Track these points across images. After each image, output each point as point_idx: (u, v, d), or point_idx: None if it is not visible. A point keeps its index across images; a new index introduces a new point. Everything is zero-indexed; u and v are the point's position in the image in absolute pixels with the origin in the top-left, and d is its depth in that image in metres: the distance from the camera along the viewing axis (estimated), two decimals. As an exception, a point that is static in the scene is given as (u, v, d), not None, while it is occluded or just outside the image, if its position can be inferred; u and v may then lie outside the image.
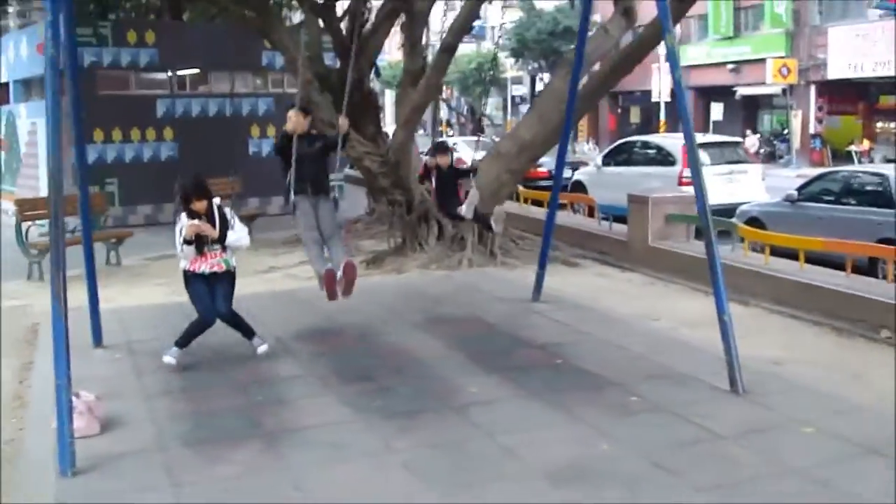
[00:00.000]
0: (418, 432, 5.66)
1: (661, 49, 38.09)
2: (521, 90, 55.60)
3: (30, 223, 12.15)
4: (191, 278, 7.36)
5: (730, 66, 38.13)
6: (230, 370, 7.18)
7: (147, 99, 17.12)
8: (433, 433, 5.64)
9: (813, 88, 34.97)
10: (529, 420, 5.84)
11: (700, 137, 18.59)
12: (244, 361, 7.37)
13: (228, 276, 7.45)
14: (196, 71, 18.25)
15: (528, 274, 11.51)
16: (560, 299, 9.51)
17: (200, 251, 7.29)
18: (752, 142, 33.96)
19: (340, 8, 14.32)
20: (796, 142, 34.81)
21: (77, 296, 7.75)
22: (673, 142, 17.18)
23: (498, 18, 48.02)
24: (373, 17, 14.11)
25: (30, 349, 8.20)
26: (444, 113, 54.48)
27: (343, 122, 8.04)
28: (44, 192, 16.81)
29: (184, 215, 7.26)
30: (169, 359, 7.18)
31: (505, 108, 57.52)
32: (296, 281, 11.59)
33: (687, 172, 15.95)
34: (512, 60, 50.40)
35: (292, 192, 7.93)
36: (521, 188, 16.08)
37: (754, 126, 38.97)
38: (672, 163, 16.55)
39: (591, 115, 46.73)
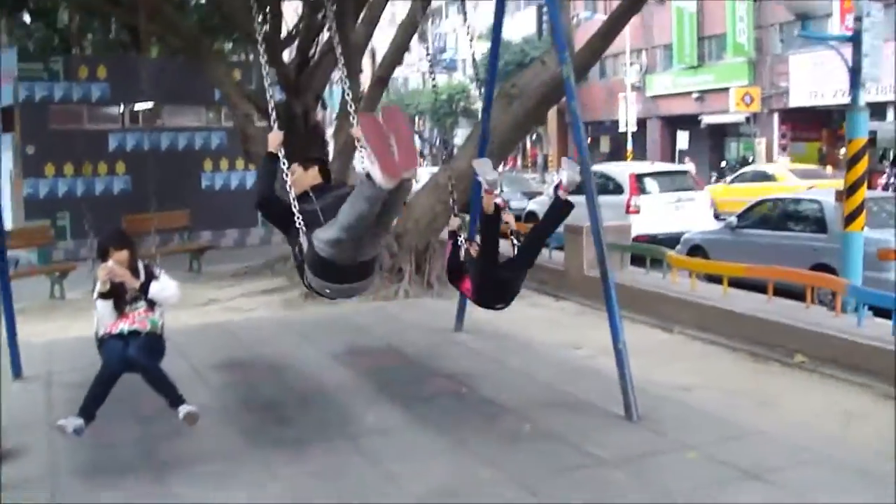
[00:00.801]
0: (305, 461, 5.70)
1: (628, 78, 38.80)
2: (494, 121, 55.92)
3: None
4: (106, 340, 6.15)
5: (695, 95, 38.63)
6: (136, 401, 7.17)
7: (99, 133, 17.20)
8: (320, 462, 5.68)
9: (776, 116, 35.42)
10: (418, 448, 5.88)
11: (648, 166, 18.91)
12: (146, 391, 7.38)
13: (153, 338, 6.22)
14: (149, 105, 18.35)
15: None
16: (483, 329, 9.56)
17: (120, 310, 6.18)
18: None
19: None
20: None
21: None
22: (621, 170, 17.41)
23: (468, 50, 48.72)
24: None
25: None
26: (417, 143, 54.97)
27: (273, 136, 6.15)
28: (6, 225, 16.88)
29: (100, 272, 6.16)
30: (63, 422, 5.72)
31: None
32: (233, 313, 11.61)
33: (635, 201, 16.22)
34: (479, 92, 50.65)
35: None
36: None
37: (721, 154, 39.38)
38: (620, 191, 16.71)
39: (561, 144, 47.18)
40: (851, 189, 9.82)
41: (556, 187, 6.82)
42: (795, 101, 33.56)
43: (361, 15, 12.81)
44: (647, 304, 10.61)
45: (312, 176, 6.21)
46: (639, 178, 16.78)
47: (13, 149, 16.74)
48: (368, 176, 5.05)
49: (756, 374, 8.06)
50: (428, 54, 8.96)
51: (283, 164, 5.89)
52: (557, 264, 12.80)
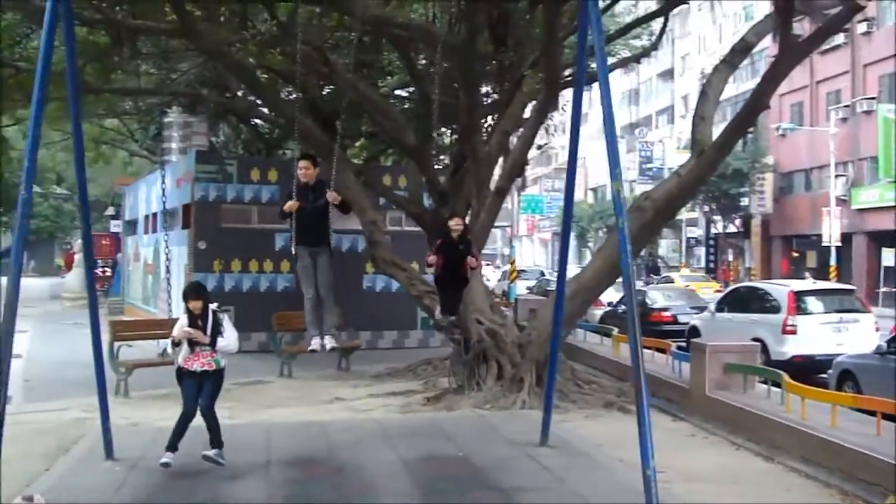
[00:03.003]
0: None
1: (833, 191, 37.11)
2: (697, 232, 54.81)
3: (120, 343, 13.16)
4: (183, 375, 8.19)
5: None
6: (191, 487, 7.54)
7: (266, 232, 18.25)
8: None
9: None
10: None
11: (810, 284, 17.98)
12: (213, 481, 7.75)
13: (216, 375, 8.24)
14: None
15: (572, 419, 11.42)
16: (569, 446, 9.38)
17: (192, 350, 8.08)
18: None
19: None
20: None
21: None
22: (780, 289, 16.66)
23: (674, 159, 48.11)
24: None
25: (45, 460, 8.88)
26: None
27: (331, 194, 8.58)
28: (175, 313, 18.17)
29: (182, 317, 8.20)
30: (165, 460, 7.88)
31: (680, 250, 56.74)
32: (349, 413, 11.91)
33: (791, 321, 15.47)
34: (683, 202, 49.92)
35: (294, 242, 8.69)
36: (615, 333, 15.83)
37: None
38: (777, 310, 15.98)
39: (764, 258, 45.48)
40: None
41: None
42: None
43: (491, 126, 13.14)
44: (757, 429, 10.08)
45: None
46: (798, 297, 15.98)
47: (187, 244, 18.05)
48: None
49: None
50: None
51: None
52: (684, 382, 12.37)
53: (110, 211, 41.71)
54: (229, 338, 8.28)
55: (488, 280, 44.15)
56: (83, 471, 7.80)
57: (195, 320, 8.13)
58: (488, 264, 59.95)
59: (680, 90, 59.30)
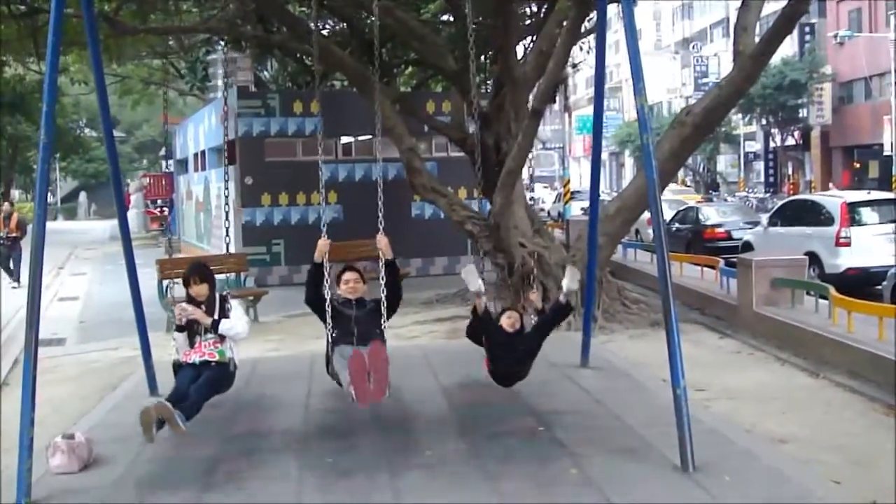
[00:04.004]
0: (334, 491, 5.85)
1: (894, 99, 35.96)
2: (755, 146, 53.69)
3: (169, 281, 13.36)
4: (181, 368, 6.92)
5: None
6: (229, 418, 7.65)
7: (312, 164, 18.14)
8: (345, 493, 5.81)
9: None
10: (448, 487, 5.85)
11: (864, 195, 17.50)
12: (253, 412, 7.87)
13: (221, 369, 6.90)
14: (365, 137, 19.29)
15: (616, 340, 11.35)
16: (610, 366, 9.33)
17: (193, 343, 6.89)
18: None
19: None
20: None
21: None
22: (833, 201, 16.23)
23: (720, 70, 46.85)
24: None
25: (94, 399, 9.09)
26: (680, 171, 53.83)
27: (381, 239, 7.08)
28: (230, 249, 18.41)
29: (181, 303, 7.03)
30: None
31: (739, 165, 55.70)
32: (393, 340, 11.87)
33: (844, 233, 15.12)
34: (740, 117, 48.92)
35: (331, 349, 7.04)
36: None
37: None
38: (830, 222, 15.60)
39: (825, 170, 44.45)
40: None
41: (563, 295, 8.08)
42: None
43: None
44: (804, 344, 9.94)
45: None
46: (851, 208, 15.57)
47: (234, 180, 18.14)
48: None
49: (875, 428, 7.32)
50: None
51: (327, 269, 6.92)
52: (733, 298, 12.21)
53: (163, 151, 42.18)
54: (236, 320, 7.03)
55: (544, 202, 43.91)
56: (127, 407, 7.92)
57: (198, 308, 7.01)
58: (546, 187, 59.45)
59: (734, 3, 57.35)
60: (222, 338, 6.96)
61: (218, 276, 14.15)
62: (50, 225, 7.81)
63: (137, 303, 8.58)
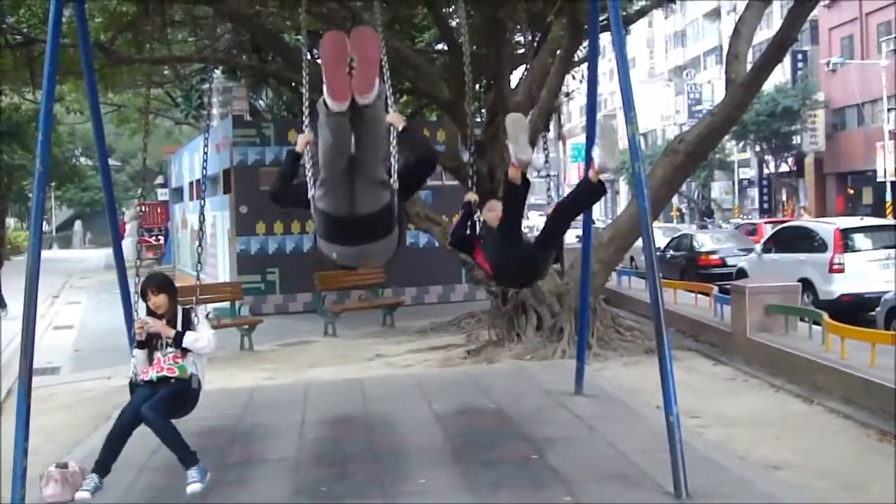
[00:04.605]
0: (328, 519, 5.87)
1: (887, 125, 36.17)
2: (750, 173, 53.91)
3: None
4: (136, 387, 6.40)
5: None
6: (225, 447, 7.65)
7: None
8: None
9: None
10: (442, 514, 5.87)
11: (857, 222, 17.60)
12: (246, 441, 7.86)
13: (180, 385, 6.30)
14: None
15: (611, 367, 11.35)
16: (603, 394, 9.34)
17: (152, 357, 6.38)
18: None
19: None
20: None
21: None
22: (826, 227, 16.32)
23: (714, 97, 47.16)
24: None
25: (88, 428, 9.09)
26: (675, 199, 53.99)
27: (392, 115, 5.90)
28: (221, 277, 18.42)
29: (140, 314, 6.59)
30: (83, 491, 6.03)
31: (734, 191, 55.89)
32: (389, 369, 12.00)
33: (838, 259, 15.19)
34: (734, 144, 49.19)
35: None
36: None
37: None
38: (824, 249, 15.68)
39: (819, 196, 44.63)
40: None
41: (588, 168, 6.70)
42: None
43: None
44: (798, 371, 9.93)
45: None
46: (845, 235, 15.65)
47: (229, 209, 18.19)
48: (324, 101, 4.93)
49: (869, 454, 7.32)
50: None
51: (307, 163, 6.06)
52: (726, 325, 12.23)
53: (160, 180, 42.26)
54: (202, 332, 6.43)
55: (538, 230, 43.92)
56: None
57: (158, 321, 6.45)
58: (541, 214, 59.57)
59: (727, 30, 57.94)
60: (185, 352, 6.37)
61: (213, 305, 14.43)
62: (45, 253, 7.82)
63: (132, 332, 8.56)
